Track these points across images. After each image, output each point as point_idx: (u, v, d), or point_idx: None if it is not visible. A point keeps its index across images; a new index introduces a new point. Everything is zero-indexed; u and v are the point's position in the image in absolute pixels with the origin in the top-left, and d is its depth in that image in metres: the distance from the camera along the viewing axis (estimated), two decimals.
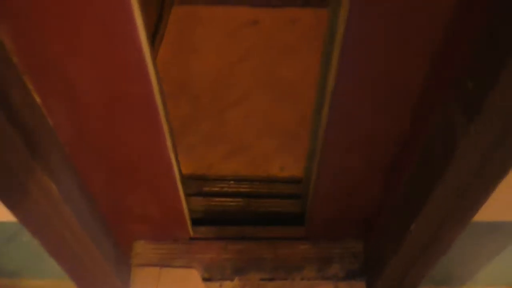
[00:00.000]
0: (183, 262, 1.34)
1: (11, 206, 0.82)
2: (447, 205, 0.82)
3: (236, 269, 1.33)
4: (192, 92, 1.80)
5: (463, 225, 0.87)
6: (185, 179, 1.47)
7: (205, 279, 1.31)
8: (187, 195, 1.40)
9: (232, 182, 1.48)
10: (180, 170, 1.18)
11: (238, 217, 1.43)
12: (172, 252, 1.35)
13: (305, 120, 1.65)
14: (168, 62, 1.92)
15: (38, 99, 0.80)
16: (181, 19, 2.13)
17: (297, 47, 1.98)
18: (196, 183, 1.48)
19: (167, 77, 1.84)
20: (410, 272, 1.06)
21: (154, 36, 1.98)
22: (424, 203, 0.84)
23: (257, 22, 2.12)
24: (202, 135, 1.64)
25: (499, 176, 0.72)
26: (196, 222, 1.40)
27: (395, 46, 0.73)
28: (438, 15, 0.69)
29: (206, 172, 1.53)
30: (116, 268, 1.17)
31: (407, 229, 0.92)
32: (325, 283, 1.30)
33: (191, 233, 1.36)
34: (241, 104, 1.74)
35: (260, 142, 1.61)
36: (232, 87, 1.81)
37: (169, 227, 1.31)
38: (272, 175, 1.51)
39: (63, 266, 1.04)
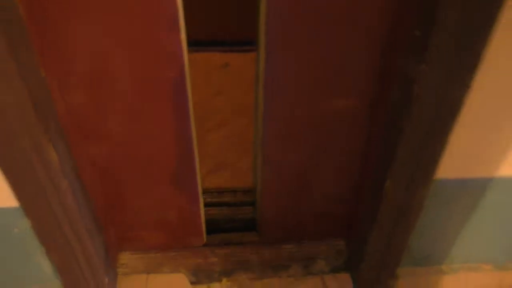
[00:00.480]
0: (170, 268, 1.34)
1: (8, 172, 0.86)
2: (413, 157, 0.93)
3: (224, 272, 1.34)
4: None
5: (431, 177, 0.97)
6: None
7: (192, 283, 1.32)
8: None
9: (215, 193, 1.53)
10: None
11: (223, 225, 1.47)
12: (159, 260, 1.36)
13: None
14: None
15: (43, 73, 0.88)
16: None
17: None
18: None
19: None
20: (391, 245, 1.13)
21: None
22: (393, 158, 0.95)
23: (228, 64, 2.32)
24: None
25: (454, 114, 0.85)
26: None
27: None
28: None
29: None
30: (105, 263, 1.17)
31: (381, 190, 1.01)
32: (312, 278, 1.33)
33: (205, 239, 1.38)
34: (220, 128, 1.86)
35: (240, 159, 1.70)
36: (211, 115, 1.93)
37: (185, 233, 1.32)
38: (251, 186, 1.59)
39: (52, 255, 1.04)
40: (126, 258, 1.36)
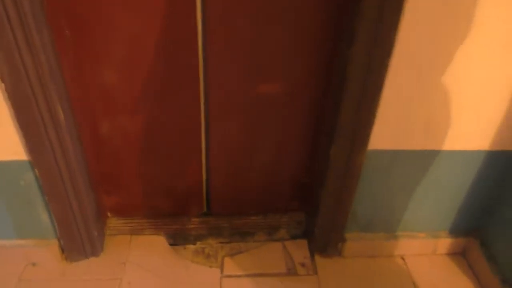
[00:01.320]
0: (151, 232, 1.55)
1: (24, 127, 1.08)
2: (350, 127, 1.17)
3: (198, 236, 1.55)
4: None
5: (365, 145, 1.21)
6: None
7: (171, 244, 1.52)
8: None
9: None
10: None
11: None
12: (142, 225, 1.57)
13: None
14: None
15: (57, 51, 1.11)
16: None
17: None
18: None
19: None
20: (338, 209, 1.36)
21: None
22: (335, 129, 1.19)
23: None
24: None
25: (378, 90, 1.09)
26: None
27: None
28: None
29: None
30: (95, 219, 1.37)
31: (328, 158, 1.25)
32: (274, 243, 1.55)
33: (205, 208, 1.59)
34: None
35: None
36: None
37: (188, 201, 1.53)
38: None
39: (52, 205, 1.25)
40: (113, 222, 1.57)
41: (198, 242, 1.54)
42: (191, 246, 1.52)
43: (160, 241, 1.52)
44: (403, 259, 1.51)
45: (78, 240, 1.36)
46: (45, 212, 1.30)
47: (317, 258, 1.50)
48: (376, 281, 1.43)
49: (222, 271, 1.43)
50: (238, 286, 1.38)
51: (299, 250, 1.52)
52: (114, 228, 1.55)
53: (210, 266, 1.45)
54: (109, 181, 1.47)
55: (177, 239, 1.54)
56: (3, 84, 1.02)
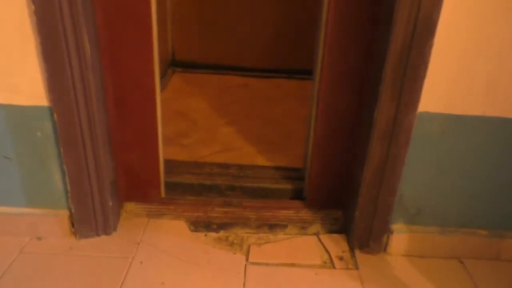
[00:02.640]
0: (171, 217, 1.42)
1: (49, 60, 1.04)
2: (397, 83, 1.07)
3: (221, 225, 1.40)
4: (189, 117, 2.08)
5: (415, 107, 1.08)
6: (177, 162, 1.66)
7: (191, 231, 1.37)
8: (177, 172, 1.57)
9: (221, 166, 1.65)
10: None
11: (226, 193, 1.56)
12: (161, 210, 1.44)
13: (286, 137, 1.93)
14: (169, 99, 2.26)
15: None
16: (182, 80, 2.56)
17: (279, 98, 2.37)
18: (187, 166, 1.64)
19: (168, 108, 2.16)
20: (382, 188, 1.20)
21: None
22: (380, 76, 1.08)
23: (247, 85, 2.56)
24: (196, 139, 1.87)
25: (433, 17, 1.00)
26: (184, 194, 1.53)
27: None
28: None
29: (199, 160, 1.70)
30: (111, 187, 1.27)
31: (371, 122, 1.13)
32: (307, 237, 1.37)
33: (163, 193, 1.47)
34: (232, 125, 2.02)
35: (248, 146, 1.83)
36: (225, 116, 2.11)
37: (144, 181, 1.42)
38: (260, 164, 1.69)
39: (67, 160, 1.16)
40: (130, 206, 1.45)
41: (222, 231, 1.39)
42: (214, 234, 1.37)
43: (179, 226, 1.38)
44: (461, 262, 1.30)
45: (90, 209, 1.25)
46: (58, 173, 1.21)
47: (358, 253, 1.30)
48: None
49: (247, 258, 1.26)
50: (265, 275, 1.20)
51: (337, 244, 1.34)
52: (130, 212, 1.43)
53: (234, 253, 1.28)
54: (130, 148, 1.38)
55: (198, 226, 1.40)
56: (33, 16, 1.00)
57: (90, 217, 1.26)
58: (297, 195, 1.55)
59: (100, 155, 1.20)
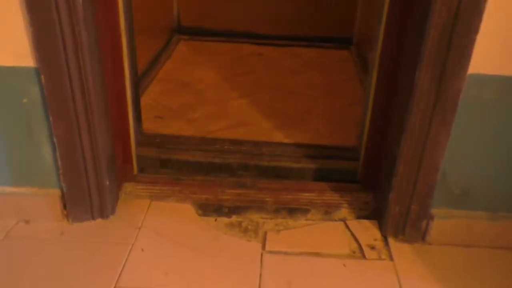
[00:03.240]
0: (176, 199, 1.34)
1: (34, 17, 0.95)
2: (444, 41, 0.96)
3: (233, 209, 1.32)
4: (196, 89, 2.00)
5: (464, 69, 0.98)
6: (183, 137, 1.58)
7: (199, 215, 1.30)
8: (184, 149, 1.50)
9: (233, 143, 1.56)
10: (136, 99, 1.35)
11: (239, 173, 1.48)
12: (165, 192, 1.36)
13: (306, 111, 1.83)
14: (173, 69, 2.17)
15: None
16: (188, 48, 2.46)
17: (297, 69, 2.26)
18: (194, 141, 1.56)
19: (172, 78, 2.07)
20: (422, 163, 1.10)
21: (160, 54, 2.28)
22: (424, 32, 0.97)
23: (261, 54, 2.45)
24: (204, 113, 1.78)
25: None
26: (191, 173, 1.45)
27: None
28: None
29: (207, 135, 1.62)
30: (108, 163, 1.19)
31: (411, 86, 1.02)
32: (332, 223, 1.29)
33: (135, 171, 1.42)
34: (245, 98, 1.93)
35: (263, 120, 1.74)
36: (236, 88, 2.02)
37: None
38: (277, 141, 1.61)
39: (57, 130, 1.09)
40: (130, 187, 1.38)
41: (234, 216, 1.31)
42: (225, 219, 1.29)
43: (185, 209, 1.30)
44: None
45: (85, 188, 1.18)
46: (46, 145, 1.14)
47: (392, 241, 1.22)
48: (478, 284, 1.12)
49: (264, 246, 1.19)
50: (284, 265, 1.13)
51: (367, 231, 1.25)
52: (131, 193, 1.35)
53: (248, 240, 1.21)
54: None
55: (207, 210, 1.32)
56: None
57: (84, 198, 1.19)
58: (322, 175, 1.46)
59: (95, 125, 1.12)
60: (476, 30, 0.96)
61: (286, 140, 1.62)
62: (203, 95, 1.95)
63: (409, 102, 1.05)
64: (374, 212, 1.31)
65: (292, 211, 1.32)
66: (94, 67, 1.07)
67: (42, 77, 1.03)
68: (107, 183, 1.20)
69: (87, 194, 1.19)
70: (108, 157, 1.19)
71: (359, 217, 1.31)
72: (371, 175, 1.37)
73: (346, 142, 1.60)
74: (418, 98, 1.03)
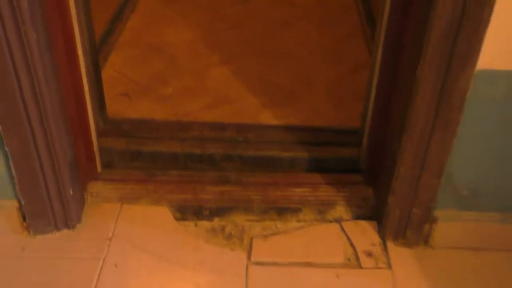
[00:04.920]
0: (150, 201, 1.47)
1: None
2: (448, 40, 1.05)
3: (215, 210, 1.45)
4: (168, 54, 2.07)
5: (472, 66, 1.07)
6: (155, 123, 1.68)
7: (177, 219, 1.43)
8: (156, 138, 1.60)
9: (213, 127, 1.66)
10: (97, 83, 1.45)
11: (221, 164, 1.59)
12: (137, 192, 1.49)
13: (301, 81, 1.92)
14: (138, 29, 2.23)
15: None
16: None
17: (291, 22, 2.32)
18: (168, 127, 1.66)
19: (138, 41, 2.14)
20: (425, 165, 1.22)
21: (124, 6, 2.33)
22: (426, 25, 1.06)
23: (247, 1, 2.49)
24: (179, 88, 1.87)
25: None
26: (166, 168, 1.57)
27: None
28: None
29: (183, 119, 1.72)
30: (70, 171, 1.30)
31: (413, 81, 1.12)
32: (327, 224, 1.43)
33: (99, 168, 1.54)
34: (227, 64, 2.01)
35: (249, 95, 1.84)
36: (216, 51, 2.09)
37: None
38: (263, 123, 1.71)
39: (9, 142, 1.19)
40: (96, 187, 1.49)
41: (216, 218, 1.44)
42: (206, 223, 1.42)
43: (161, 213, 1.43)
44: None
45: (45, 199, 1.29)
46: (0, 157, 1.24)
47: (391, 246, 1.36)
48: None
49: (249, 256, 1.33)
50: (273, 279, 1.27)
51: (364, 234, 1.39)
52: (97, 195, 1.47)
53: (232, 249, 1.35)
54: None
55: (186, 213, 1.45)
56: None
57: (45, 210, 1.31)
58: (317, 165, 1.58)
59: (52, 130, 1.22)
60: (485, 23, 1.05)
61: (275, 122, 1.72)
62: (176, 62, 2.03)
63: (410, 100, 1.15)
64: (374, 210, 1.45)
65: (282, 211, 1.46)
66: (46, 61, 1.15)
67: None
68: (71, 192, 1.31)
69: (48, 205, 1.31)
70: (70, 163, 1.30)
71: (356, 216, 1.45)
72: (375, 164, 1.48)
73: (349, 122, 1.70)
74: (420, 97, 1.13)
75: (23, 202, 1.30)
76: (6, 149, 1.22)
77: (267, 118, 1.74)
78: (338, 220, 1.44)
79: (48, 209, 1.32)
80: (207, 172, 1.57)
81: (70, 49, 1.31)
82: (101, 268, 1.28)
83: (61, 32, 1.25)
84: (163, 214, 1.43)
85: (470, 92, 1.13)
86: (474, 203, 1.32)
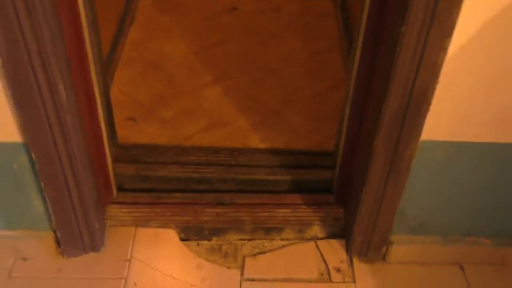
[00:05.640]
0: (159, 223, 1.78)
1: (20, 103, 1.29)
2: (399, 116, 1.33)
3: (213, 231, 1.77)
4: (166, 71, 2.32)
5: (417, 137, 1.37)
6: (160, 148, 1.96)
7: (182, 239, 1.75)
8: (161, 163, 1.89)
9: (210, 152, 1.95)
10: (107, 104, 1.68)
11: (217, 186, 1.89)
12: (147, 215, 1.79)
13: (286, 100, 2.19)
14: (139, 41, 2.45)
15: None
16: (153, 4, 2.70)
17: (278, 33, 2.55)
18: (171, 152, 1.95)
19: (139, 55, 2.37)
20: (382, 207, 1.53)
21: (124, 18, 2.54)
22: (380, 118, 1.34)
23: (236, 8, 2.71)
24: (178, 110, 2.14)
25: (434, 75, 1.24)
26: (171, 190, 1.87)
27: None
28: None
29: (183, 143, 2.01)
30: (95, 208, 1.60)
31: (371, 150, 1.41)
32: (304, 243, 1.75)
33: (114, 193, 1.83)
34: (220, 82, 2.27)
35: (239, 117, 2.12)
36: (210, 67, 2.34)
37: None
38: (252, 147, 2.00)
39: (48, 191, 1.48)
40: (114, 211, 1.80)
41: (214, 238, 1.76)
42: (206, 243, 1.75)
43: (169, 235, 1.75)
44: (462, 268, 1.70)
45: (77, 233, 1.60)
46: (38, 199, 1.53)
47: (356, 262, 1.70)
48: None
49: (242, 273, 1.66)
50: None
51: (335, 252, 1.72)
52: (115, 218, 1.78)
53: (228, 267, 1.68)
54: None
55: (189, 234, 1.77)
56: None
57: (76, 239, 1.62)
58: (298, 186, 1.89)
59: (82, 181, 1.51)
60: (425, 110, 1.33)
61: (262, 145, 2.01)
62: (175, 80, 2.28)
63: (369, 163, 1.45)
64: (344, 229, 1.78)
65: (268, 230, 1.78)
66: (78, 136, 1.43)
67: (32, 152, 1.39)
68: (97, 225, 1.62)
69: (78, 236, 1.61)
70: (95, 202, 1.60)
71: (329, 234, 1.78)
72: (346, 186, 1.79)
73: (327, 142, 2.00)
74: (376, 162, 1.43)
75: (58, 233, 1.60)
76: (45, 196, 1.51)
77: (255, 141, 2.03)
78: (314, 238, 1.77)
79: (78, 238, 1.62)
80: (205, 194, 1.87)
81: (85, 79, 1.53)
82: (123, 286, 1.60)
83: (80, 78, 1.51)
84: (171, 235, 1.74)
85: (415, 157, 1.43)
86: (421, 230, 1.65)
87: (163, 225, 1.78)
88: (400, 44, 1.21)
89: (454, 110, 1.36)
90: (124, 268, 1.65)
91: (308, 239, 1.77)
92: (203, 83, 2.28)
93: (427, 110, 1.33)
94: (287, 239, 1.77)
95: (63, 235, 1.60)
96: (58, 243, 1.64)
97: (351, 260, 1.70)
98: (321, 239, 1.77)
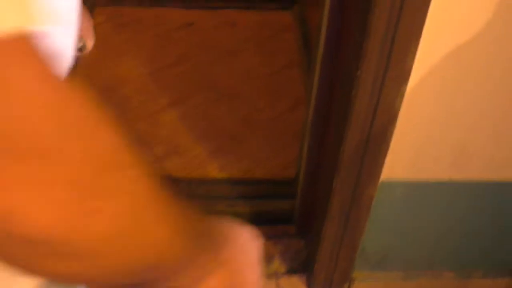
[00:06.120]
0: None
1: None
2: (357, 157, 1.28)
3: None
4: (122, 95, 2.22)
5: (376, 178, 1.32)
6: None
7: None
8: None
9: (170, 183, 1.88)
10: None
11: None
12: None
13: (244, 122, 2.12)
14: (96, 61, 2.35)
15: None
16: (107, 20, 2.59)
17: (235, 49, 2.48)
18: None
19: (95, 79, 2.27)
20: (343, 244, 1.49)
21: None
22: (338, 159, 1.29)
23: (193, 24, 2.62)
24: (136, 137, 2.05)
25: (392, 118, 1.19)
26: None
27: None
28: None
29: None
30: None
31: (331, 190, 1.37)
32: (265, 281, 1.70)
33: None
34: (177, 106, 2.19)
35: (196, 145, 2.04)
36: (166, 90, 2.25)
37: None
38: (210, 177, 1.93)
39: None
40: None
41: None
42: None
43: None
44: None
45: None
46: None
47: None
48: None
49: None
50: None
51: None
52: None
53: None
54: None
55: None
56: None
57: None
58: (259, 218, 1.83)
59: None
60: (384, 152, 1.29)
61: (221, 174, 1.95)
62: (131, 104, 2.18)
63: (328, 201, 1.40)
64: (305, 263, 1.73)
65: None
66: None
67: None
68: None
69: None
70: None
71: (290, 269, 1.73)
72: (307, 217, 1.75)
73: (287, 168, 1.94)
74: (335, 203, 1.38)
75: None
76: None
77: (214, 170, 1.96)
78: (275, 274, 1.71)
79: None
80: None
81: None
82: None
83: None
84: None
85: (376, 197, 1.39)
86: (383, 266, 1.62)
87: None
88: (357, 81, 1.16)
89: (412, 149, 1.33)
90: None
91: (270, 275, 1.72)
92: (159, 107, 2.19)
93: (386, 150, 1.29)
94: None
95: None
96: None
97: None
98: (283, 273, 1.72)
